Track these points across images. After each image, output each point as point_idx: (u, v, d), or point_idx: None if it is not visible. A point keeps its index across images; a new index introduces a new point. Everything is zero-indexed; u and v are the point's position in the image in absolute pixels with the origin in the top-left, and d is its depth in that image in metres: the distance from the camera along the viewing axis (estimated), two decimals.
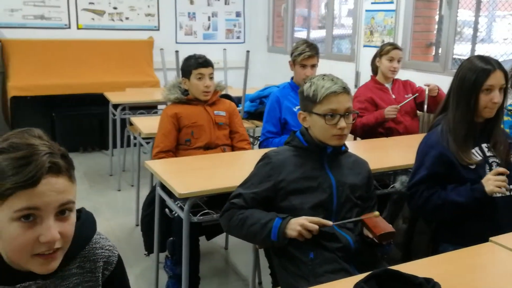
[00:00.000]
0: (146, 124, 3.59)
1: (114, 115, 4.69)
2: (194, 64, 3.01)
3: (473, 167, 2.07)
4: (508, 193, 2.01)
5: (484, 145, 2.14)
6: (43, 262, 1.04)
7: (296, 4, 6.67)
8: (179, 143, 3.01)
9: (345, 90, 1.87)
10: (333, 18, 5.92)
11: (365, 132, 3.43)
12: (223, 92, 3.36)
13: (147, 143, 3.68)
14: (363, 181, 1.97)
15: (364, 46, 5.23)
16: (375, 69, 3.70)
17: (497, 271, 1.60)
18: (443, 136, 2.11)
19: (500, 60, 2.13)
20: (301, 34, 6.70)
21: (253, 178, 1.91)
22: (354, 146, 2.97)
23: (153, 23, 6.60)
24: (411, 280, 1.36)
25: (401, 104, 3.39)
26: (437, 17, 4.75)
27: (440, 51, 4.49)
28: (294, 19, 6.70)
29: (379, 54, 3.61)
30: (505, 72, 2.06)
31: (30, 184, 0.99)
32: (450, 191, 2.08)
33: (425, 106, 3.46)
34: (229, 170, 2.55)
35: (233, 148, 3.12)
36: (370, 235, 1.78)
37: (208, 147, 3.00)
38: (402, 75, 3.79)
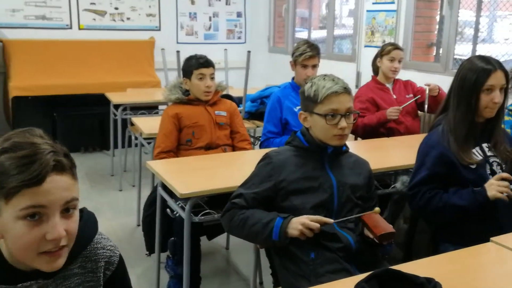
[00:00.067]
0: (147, 125, 3.59)
1: (115, 115, 4.70)
2: (195, 64, 3.01)
3: (473, 167, 2.07)
4: (508, 200, 2.00)
5: (484, 145, 2.14)
6: (50, 259, 1.05)
7: (297, 4, 6.67)
8: (180, 143, 3.01)
9: (346, 90, 1.87)
10: (334, 18, 5.92)
11: (366, 132, 3.44)
12: (224, 92, 3.37)
13: (148, 143, 3.69)
14: (364, 181, 1.97)
15: (365, 46, 5.23)
16: (376, 69, 3.70)
17: (498, 271, 1.60)
18: (444, 136, 2.11)
19: (501, 60, 2.13)
20: (302, 34, 6.70)
21: (254, 178, 1.92)
22: (355, 146, 2.97)
23: (154, 23, 6.61)
24: (412, 280, 1.36)
25: (403, 106, 3.39)
26: (438, 17, 4.75)
27: (441, 51, 4.48)
28: (295, 19, 6.70)
29: (380, 54, 3.61)
30: (505, 72, 2.06)
31: (35, 183, 0.99)
32: (452, 194, 2.08)
33: (426, 106, 3.46)
34: (230, 170, 2.55)
35: (234, 148, 3.12)
36: (371, 235, 1.78)
37: (209, 147, 3.01)
38: (403, 75, 3.79)
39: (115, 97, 4.70)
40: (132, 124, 4.34)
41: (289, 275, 1.83)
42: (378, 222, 1.77)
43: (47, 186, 1.00)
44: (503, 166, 2.14)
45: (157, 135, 3.05)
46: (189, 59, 3.08)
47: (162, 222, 2.69)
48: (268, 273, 2.59)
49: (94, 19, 6.27)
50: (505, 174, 2.00)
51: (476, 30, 4.19)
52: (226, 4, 7.01)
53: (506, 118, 3.04)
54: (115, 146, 5.05)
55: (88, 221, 1.20)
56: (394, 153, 3.04)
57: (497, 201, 2.02)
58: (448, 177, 2.10)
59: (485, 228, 1.92)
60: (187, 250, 2.33)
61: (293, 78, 3.35)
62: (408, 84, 3.69)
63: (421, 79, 3.85)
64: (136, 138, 4.38)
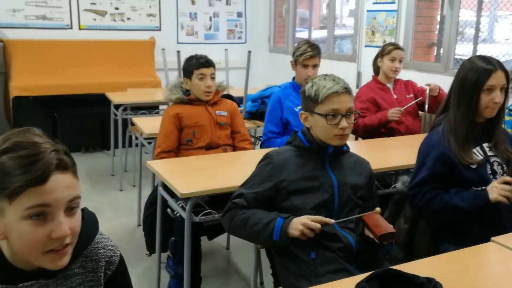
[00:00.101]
0: (148, 124, 3.60)
1: (115, 115, 4.70)
2: (196, 64, 3.01)
3: (474, 166, 2.07)
4: (509, 203, 1.99)
5: (485, 145, 2.14)
6: (55, 258, 1.05)
7: (298, 4, 6.67)
8: (180, 143, 3.01)
9: (347, 90, 1.87)
10: (335, 18, 5.92)
11: (367, 132, 3.44)
12: (225, 92, 3.37)
13: (149, 143, 3.69)
14: (365, 181, 1.97)
15: (366, 46, 5.23)
16: (376, 69, 3.70)
17: (499, 271, 1.60)
18: (444, 136, 2.11)
19: (502, 60, 2.13)
20: (303, 34, 6.70)
21: (254, 178, 1.91)
22: (356, 146, 2.97)
23: (154, 23, 6.61)
24: (412, 279, 1.36)
25: (405, 107, 3.40)
26: (438, 17, 4.75)
27: (441, 51, 4.48)
28: (296, 19, 6.70)
29: (380, 54, 3.62)
30: (506, 72, 2.06)
31: (39, 182, 0.99)
32: (453, 195, 2.08)
33: (426, 106, 3.46)
34: (230, 170, 2.55)
35: (234, 148, 3.12)
36: (371, 235, 1.78)
37: (210, 147, 3.01)
38: (404, 75, 3.79)
39: (115, 97, 4.70)
40: (132, 124, 4.34)
41: (290, 275, 1.83)
42: (379, 222, 1.77)
43: (51, 185, 1.01)
44: (504, 166, 2.14)
45: (158, 135, 3.05)
46: (190, 59, 3.08)
47: (162, 222, 2.69)
48: (268, 273, 2.59)
49: (95, 19, 6.28)
50: (509, 178, 2.00)
51: (477, 30, 4.19)
52: (227, 4, 7.01)
53: (507, 118, 3.04)
54: (116, 146, 5.05)
55: (89, 221, 1.20)
56: (394, 153, 3.04)
57: (499, 205, 2.01)
58: (448, 177, 2.10)
59: (486, 228, 1.92)
60: (187, 250, 2.33)
61: (293, 78, 3.35)
62: (408, 84, 3.69)
63: (422, 79, 3.85)
64: (136, 138, 4.38)
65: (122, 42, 6.24)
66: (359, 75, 5.29)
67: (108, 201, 4.38)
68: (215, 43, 6.93)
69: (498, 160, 2.13)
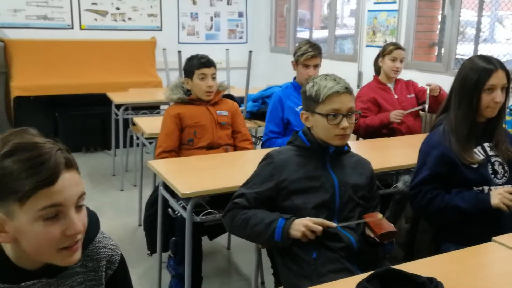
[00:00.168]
0: (149, 124, 3.60)
1: (116, 115, 4.70)
2: (197, 64, 3.01)
3: (475, 166, 2.07)
4: (508, 211, 1.99)
5: (486, 145, 2.14)
6: (68, 254, 1.07)
7: (299, 4, 6.67)
8: (181, 143, 3.01)
9: (348, 90, 1.87)
10: (336, 18, 5.92)
11: (368, 133, 3.44)
12: (226, 92, 3.37)
13: (150, 143, 3.69)
14: (366, 181, 1.97)
15: (367, 46, 5.23)
16: (377, 69, 3.70)
17: (500, 271, 1.60)
18: (445, 136, 2.11)
19: (502, 60, 2.13)
20: (304, 34, 6.70)
21: (255, 177, 1.92)
22: (357, 146, 2.97)
23: (155, 23, 6.61)
24: (414, 279, 1.36)
25: (408, 111, 3.40)
26: (439, 17, 4.75)
27: (442, 51, 4.48)
28: (297, 19, 6.70)
29: (381, 54, 3.61)
30: (507, 72, 2.07)
31: (50, 182, 1.00)
32: (454, 195, 2.08)
33: (426, 106, 3.46)
34: (231, 170, 2.55)
35: (235, 148, 3.12)
36: (372, 235, 1.78)
37: (211, 147, 3.01)
38: (405, 75, 3.79)
39: (116, 97, 4.70)
40: (133, 124, 4.34)
41: (291, 275, 1.83)
42: (380, 221, 1.77)
43: (60, 184, 1.01)
44: (505, 165, 2.14)
45: (159, 134, 3.06)
46: (191, 59, 3.08)
47: (163, 221, 2.69)
48: (269, 273, 2.59)
49: (96, 19, 6.28)
50: None
51: (478, 30, 4.19)
52: (228, 4, 7.02)
53: (508, 117, 3.04)
54: (117, 146, 5.05)
55: (90, 220, 1.21)
56: (395, 153, 3.04)
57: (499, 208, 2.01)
58: (449, 177, 2.10)
59: (487, 228, 1.91)
60: (188, 250, 2.33)
61: (294, 78, 3.35)
62: (409, 84, 3.69)
63: (423, 79, 3.85)
64: (137, 138, 4.38)
65: (123, 42, 6.24)
66: (360, 75, 5.29)
67: (109, 201, 4.38)
68: (216, 43, 6.94)
69: (499, 159, 2.13)
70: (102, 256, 1.22)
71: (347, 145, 1.98)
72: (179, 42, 6.72)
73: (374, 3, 5.09)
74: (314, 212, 1.82)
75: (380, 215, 1.81)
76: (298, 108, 3.16)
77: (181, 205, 2.34)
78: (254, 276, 2.32)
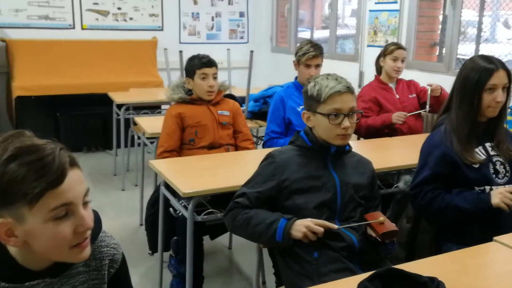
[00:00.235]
0: (150, 124, 3.60)
1: (118, 115, 4.71)
2: (198, 64, 3.02)
3: (476, 166, 2.07)
4: (509, 210, 1.99)
5: (487, 144, 2.14)
6: (80, 251, 1.08)
7: (300, 4, 6.67)
8: (183, 143, 3.01)
9: (349, 89, 1.87)
10: (337, 18, 5.91)
11: (369, 133, 3.44)
12: (227, 92, 3.37)
13: (151, 142, 3.69)
14: (367, 180, 1.97)
15: (368, 46, 5.23)
16: (379, 69, 3.70)
17: (501, 271, 1.60)
18: (447, 135, 2.11)
19: (504, 60, 2.13)
20: (305, 34, 6.70)
21: (257, 177, 1.92)
22: (358, 146, 2.97)
23: (157, 23, 6.62)
24: (415, 279, 1.36)
25: (410, 114, 3.40)
26: (441, 17, 4.75)
27: (444, 51, 4.48)
28: (298, 19, 6.70)
29: (383, 54, 3.61)
30: (508, 71, 2.07)
31: (58, 182, 1.00)
32: (455, 195, 2.08)
33: (427, 106, 3.46)
34: (232, 169, 2.55)
35: (236, 148, 3.13)
36: (373, 234, 1.79)
37: (212, 147, 3.01)
38: (406, 75, 3.79)
39: (118, 97, 4.71)
40: (135, 124, 4.34)
41: (292, 275, 1.83)
42: (381, 221, 1.77)
43: (68, 183, 1.02)
44: (506, 165, 2.14)
45: (160, 134, 3.06)
46: (192, 59, 3.08)
47: (165, 221, 2.70)
48: (271, 272, 2.59)
49: (97, 19, 6.28)
50: None
51: (479, 29, 4.18)
52: (229, 4, 7.02)
53: (509, 117, 3.04)
54: (118, 146, 5.05)
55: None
56: (397, 153, 3.04)
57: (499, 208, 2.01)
58: (450, 176, 2.10)
59: (488, 228, 1.91)
60: (190, 249, 2.34)
61: (296, 78, 3.35)
62: (411, 84, 3.69)
63: (424, 79, 3.85)
64: (138, 138, 4.38)
65: (124, 42, 6.25)
66: (361, 75, 5.29)
67: (110, 201, 4.38)
68: (217, 43, 6.94)
69: (501, 159, 2.13)
70: (105, 255, 1.23)
71: (348, 144, 1.98)
72: (180, 42, 6.72)
73: (375, 3, 5.09)
74: (316, 212, 1.82)
75: (381, 215, 1.81)
76: (300, 108, 3.16)
77: (183, 204, 2.34)
78: (255, 275, 2.32)
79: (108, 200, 4.39)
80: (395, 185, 2.65)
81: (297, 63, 3.27)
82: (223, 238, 3.36)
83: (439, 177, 2.11)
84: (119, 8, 6.37)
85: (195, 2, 6.81)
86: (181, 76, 3.96)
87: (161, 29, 6.64)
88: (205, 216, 2.26)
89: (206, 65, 3.01)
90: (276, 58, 6.97)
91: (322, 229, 1.74)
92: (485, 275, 1.58)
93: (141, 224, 3.85)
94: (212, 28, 6.98)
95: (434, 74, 4.36)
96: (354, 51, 5.49)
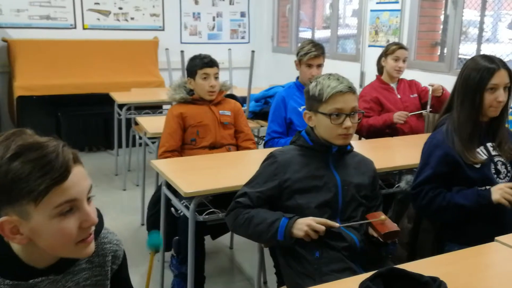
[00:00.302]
0: (152, 124, 3.60)
1: (119, 115, 4.71)
2: (200, 64, 3.02)
3: (478, 166, 2.07)
4: (510, 206, 1.99)
5: (489, 144, 2.14)
6: (85, 246, 1.09)
7: (301, 4, 6.67)
8: (184, 143, 3.02)
9: (351, 89, 1.87)
10: (338, 18, 5.91)
11: (371, 132, 3.44)
12: (228, 92, 3.37)
13: (153, 142, 3.69)
14: (369, 180, 1.97)
15: (369, 46, 5.23)
16: (380, 69, 3.70)
17: (503, 271, 1.60)
18: (448, 135, 2.11)
19: (505, 60, 2.13)
20: (306, 34, 6.70)
21: (258, 177, 1.92)
22: (359, 146, 2.97)
23: (158, 23, 6.62)
24: (417, 279, 1.36)
25: (411, 113, 3.40)
26: (442, 17, 4.74)
27: (445, 51, 4.48)
28: (299, 19, 6.70)
29: (384, 54, 3.61)
30: (509, 71, 2.06)
31: (63, 179, 1.01)
32: (455, 193, 2.08)
33: (428, 107, 3.46)
34: (234, 169, 2.55)
35: (238, 148, 3.13)
36: (375, 234, 1.78)
37: (213, 147, 3.01)
38: (407, 75, 3.78)
39: (119, 97, 4.71)
40: (136, 124, 4.35)
41: (294, 274, 1.83)
42: (383, 221, 1.77)
43: (72, 179, 1.03)
44: (508, 165, 2.14)
45: (162, 134, 3.06)
46: (193, 59, 3.09)
47: (166, 221, 2.70)
48: (272, 272, 2.60)
49: (98, 19, 6.29)
50: None
51: (481, 29, 4.18)
52: (230, 4, 7.02)
53: (511, 117, 3.03)
54: (119, 146, 5.05)
55: None
56: (398, 153, 3.04)
57: (504, 208, 2.01)
58: (452, 176, 2.10)
59: (490, 228, 1.92)
60: (191, 249, 2.34)
61: (297, 78, 3.35)
62: (412, 84, 3.69)
63: (426, 79, 3.85)
64: (140, 138, 4.39)
65: (125, 42, 6.25)
66: (362, 75, 5.29)
67: (112, 201, 4.38)
68: (219, 43, 6.94)
69: (502, 159, 2.13)
70: (107, 252, 1.24)
71: (349, 144, 1.98)
72: (181, 42, 6.72)
73: (377, 3, 5.09)
74: (317, 212, 1.82)
75: (384, 217, 1.81)
76: (301, 108, 3.16)
77: (184, 204, 2.34)
78: (256, 275, 2.32)
79: (109, 200, 4.40)
80: (397, 185, 2.65)
81: (299, 63, 3.27)
82: (225, 238, 3.37)
83: (440, 177, 2.11)
84: (120, 8, 6.38)
85: (196, 2, 6.81)
86: (182, 76, 3.96)
87: (162, 29, 6.64)
88: (207, 216, 2.26)
89: (208, 65, 3.02)
90: (277, 58, 6.97)
91: (323, 228, 1.74)
92: (487, 275, 1.58)
93: (143, 224, 3.85)
94: (213, 28, 6.98)
95: (435, 74, 4.35)
96: (355, 51, 5.49)
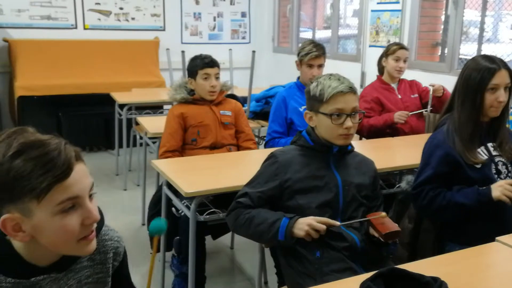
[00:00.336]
0: (152, 124, 3.60)
1: (120, 115, 4.71)
2: (200, 64, 3.02)
3: (479, 166, 2.07)
4: (511, 203, 1.99)
5: (489, 144, 2.14)
6: (87, 243, 1.10)
7: (301, 4, 6.67)
8: (185, 143, 3.02)
9: (352, 89, 1.87)
10: (339, 18, 5.91)
11: (371, 132, 3.44)
12: (229, 92, 3.37)
13: (153, 142, 3.70)
14: (369, 180, 1.97)
15: (370, 46, 5.23)
16: (381, 69, 3.70)
17: (504, 271, 1.60)
18: (449, 135, 2.11)
19: (506, 60, 2.13)
20: (307, 35, 6.70)
21: (259, 177, 1.92)
22: (360, 146, 2.97)
23: (158, 23, 6.62)
24: (418, 279, 1.36)
25: (412, 113, 3.40)
26: (443, 17, 4.74)
27: (446, 51, 4.48)
28: (300, 19, 6.70)
29: (385, 54, 3.61)
30: (510, 71, 2.06)
31: (65, 176, 1.01)
32: (455, 192, 2.08)
33: (429, 107, 3.46)
34: (235, 169, 2.56)
35: (238, 148, 3.13)
36: (376, 234, 1.78)
37: (214, 147, 3.01)
38: (408, 75, 3.78)
39: (120, 97, 4.71)
40: (137, 124, 4.35)
41: (295, 274, 1.83)
42: (384, 221, 1.77)
43: (74, 177, 1.03)
44: (509, 165, 2.14)
45: (163, 134, 3.06)
46: (194, 59, 3.09)
47: (167, 221, 2.69)
48: (273, 272, 2.60)
49: (99, 19, 6.29)
50: None
51: (481, 29, 4.18)
52: (231, 4, 7.02)
53: (511, 117, 3.03)
54: (120, 146, 5.06)
55: None
56: (399, 153, 3.04)
57: (504, 205, 2.01)
58: (452, 176, 2.10)
59: (491, 228, 1.91)
60: (192, 249, 2.34)
61: (298, 78, 3.36)
62: (413, 84, 3.69)
63: (426, 79, 3.85)
64: (141, 138, 4.39)
65: (126, 42, 6.25)
66: (363, 75, 5.28)
67: (113, 201, 4.39)
68: (219, 43, 6.94)
69: (503, 160, 2.13)
70: (109, 248, 1.24)
71: (350, 144, 1.98)
72: (182, 42, 6.72)
73: (377, 3, 5.09)
74: (318, 212, 1.82)
75: (384, 214, 1.81)
76: (302, 108, 3.16)
77: (185, 204, 2.34)
78: (257, 275, 2.32)
79: (110, 200, 4.40)
80: (397, 185, 2.65)
81: (300, 63, 3.27)
82: (225, 238, 3.37)
83: (441, 177, 2.11)
84: (121, 8, 6.38)
85: (197, 2, 6.81)
86: (183, 76, 3.97)
87: (163, 29, 6.64)
88: (207, 216, 2.26)
89: (208, 65, 3.02)
90: (277, 58, 6.97)
91: (324, 227, 1.74)
92: (488, 275, 1.59)
93: (143, 224, 3.85)
94: (214, 28, 6.99)
95: (436, 74, 4.35)
96: (356, 51, 5.48)
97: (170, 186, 2.47)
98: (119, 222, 3.91)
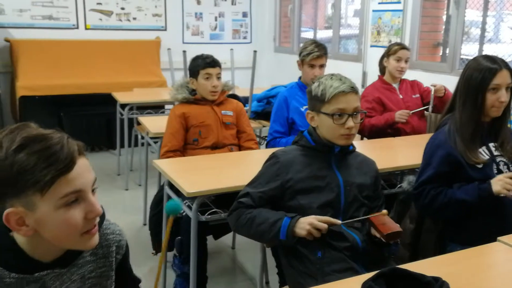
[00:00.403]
0: (154, 124, 3.61)
1: (121, 114, 4.72)
2: (202, 64, 3.02)
3: (480, 166, 2.07)
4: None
5: (491, 145, 2.14)
6: (90, 238, 1.10)
7: (303, 4, 6.67)
8: (186, 143, 3.02)
9: (353, 89, 1.88)
10: (340, 18, 5.91)
11: (373, 132, 3.44)
12: (230, 92, 3.37)
13: (155, 142, 3.70)
14: (371, 180, 1.97)
15: (371, 46, 5.23)
16: (382, 69, 3.70)
17: (505, 271, 1.60)
18: (450, 135, 2.11)
19: (507, 60, 2.13)
20: (308, 34, 6.70)
21: (260, 177, 1.92)
22: (362, 146, 2.97)
23: (160, 23, 6.63)
24: (419, 279, 1.36)
25: (413, 111, 3.40)
26: (444, 17, 4.74)
27: (447, 51, 4.48)
28: (301, 19, 6.70)
29: (386, 54, 3.62)
30: (511, 71, 2.06)
31: (68, 169, 1.02)
32: (456, 189, 2.08)
33: (430, 107, 3.46)
34: (236, 169, 2.56)
35: (240, 148, 3.13)
36: (378, 235, 1.79)
37: (216, 147, 3.02)
38: (410, 75, 3.78)
39: (121, 97, 4.71)
40: (138, 124, 4.35)
41: (296, 274, 1.83)
42: (385, 221, 1.77)
43: (77, 170, 1.04)
44: (510, 165, 2.14)
45: (164, 134, 3.06)
46: (196, 59, 3.09)
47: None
48: (274, 272, 2.60)
49: (101, 19, 6.30)
50: None
51: (483, 30, 4.18)
52: (232, 4, 7.02)
53: None
54: (122, 146, 5.06)
55: None
56: (400, 153, 3.04)
57: (504, 201, 2.02)
58: (454, 176, 2.10)
59: (492, 228, 1.92)
60: (193, 249, 2.34)
61: (299, 78, 3.36)
62: (414, 84, 3.69)
63: (428, 79, 3.85)
64: (142, 138, 4.39)
65: (128, 42, 6.26)
66: (364, 75, 5.28)
67: (114, 200, 4.39)
68: (221, 43, 6.94)
69: (504, 159, 2.13)
70: (111, 242, 1.25)
71: (352, 144, 1.98)
72: (183, 42, 6.73)
73: (379, 3, 5.09)
74: (319, 212, 1.82)
75: (385, 211, 1.81)
76: (303, 108, 3.16)
77: (186, 204, 2.34)
78: (259, 275, 2.33)
79: (111, 199, 4.40)
80: (399, 185, 2.65)
81: (301, 63, 3.27)
82: (227, 238, 3.37)
83: (442, 177, 2.11)
84: (122, 8, 6.38)
85: (199, 2, 6.81)
86: (184, 76, 3.97)
87: (164, 29, 6.65)
88: (209, 216, 2.26)
89: (210, 65, 3.02)
90: (279, 58, 6.97)
91: (325, 226, 1.74)
92: (489, 275, 1.59)
93: (145, 224, 3.85)
94: (215, 28, 6.99)
95: (437, 74, 4.35)
96: (357, 51, 5.48)
97: (171, 186, 2.47)
98: (121, 222, 3.85)
